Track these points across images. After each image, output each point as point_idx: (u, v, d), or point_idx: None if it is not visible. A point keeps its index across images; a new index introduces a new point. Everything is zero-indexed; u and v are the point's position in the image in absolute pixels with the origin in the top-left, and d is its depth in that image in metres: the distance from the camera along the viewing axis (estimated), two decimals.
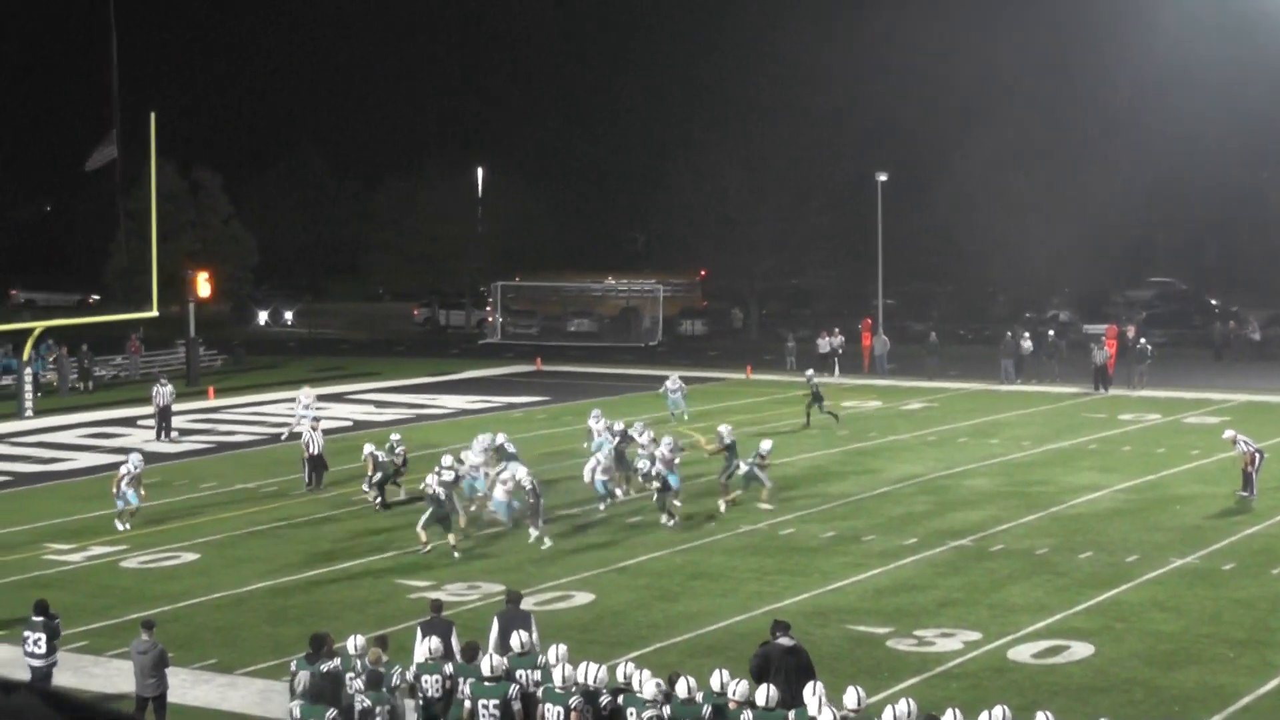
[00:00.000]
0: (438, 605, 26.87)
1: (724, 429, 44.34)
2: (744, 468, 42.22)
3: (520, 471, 38.97)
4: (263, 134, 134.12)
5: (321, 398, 64.28)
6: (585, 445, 47.60)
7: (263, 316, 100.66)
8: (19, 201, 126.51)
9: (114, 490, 39.65)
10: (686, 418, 57.60)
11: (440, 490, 36.99)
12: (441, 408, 62.45)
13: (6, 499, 44.38)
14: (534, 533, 37.76)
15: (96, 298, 79.03)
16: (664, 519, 39.78)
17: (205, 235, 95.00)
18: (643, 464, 41.30)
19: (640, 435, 43.69)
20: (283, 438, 53.38)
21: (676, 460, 41.89)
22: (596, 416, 48.05)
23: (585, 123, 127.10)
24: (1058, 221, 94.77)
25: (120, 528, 39.05)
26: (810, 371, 60.02)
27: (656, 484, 40.27)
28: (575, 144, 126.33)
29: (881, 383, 69.73)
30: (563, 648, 22.96)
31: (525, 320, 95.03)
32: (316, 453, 45.35)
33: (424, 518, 36.96)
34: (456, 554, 36.41)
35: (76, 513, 40.33)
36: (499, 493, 39.04)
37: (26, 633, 26.48)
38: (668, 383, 59.56)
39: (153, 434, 54.76)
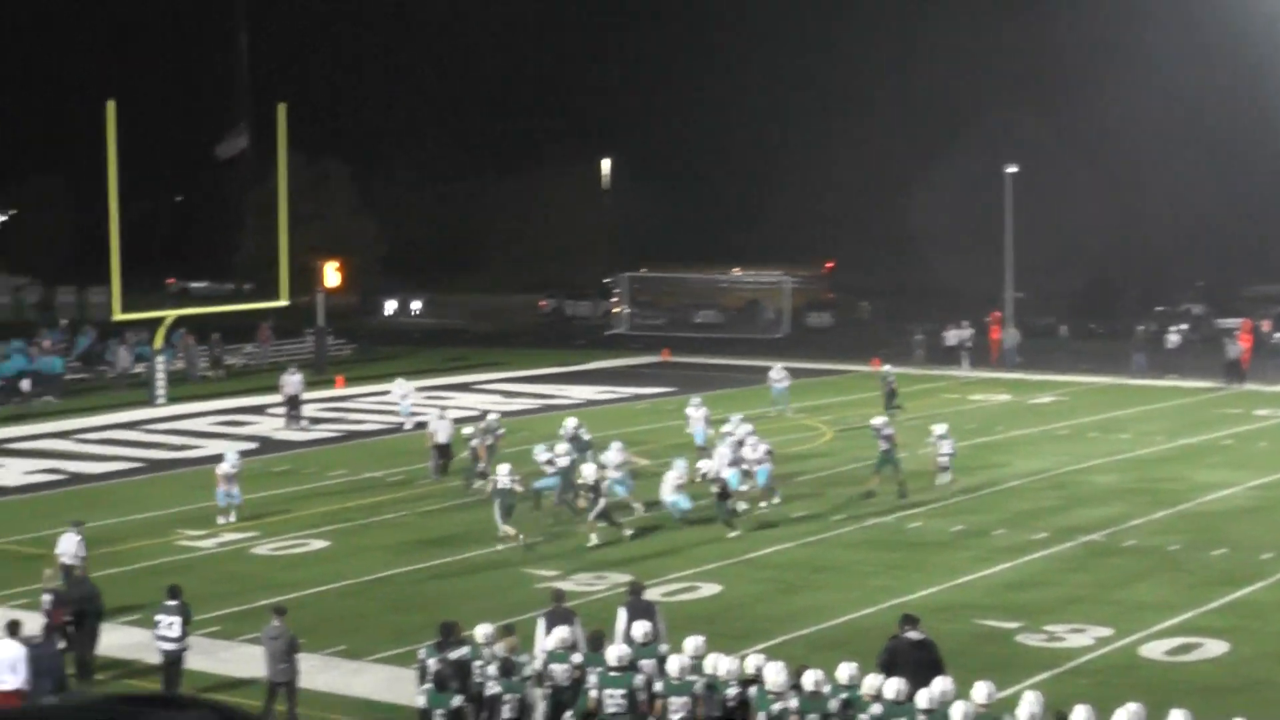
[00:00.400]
0: (560, 595, 26.94)
1: (877, 420, 44.05)
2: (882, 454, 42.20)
3: (588, 469, 38.57)
4: (390, 126, 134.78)
5: (448, 388, 64.61)
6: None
7: (389, 307, 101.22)
8: (149, 192, 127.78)
9: (219, 488, 39.53)
10: (790, 413, 57.03)
11: (510, 483, 37.13)
12: (568, 398, 62.57)
13: (139, 485, 44.84)
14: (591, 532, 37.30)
15: (249, 286, 79.82)
16: (730, 532, 38.09)
17: (333, 226, 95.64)
18: (703, 464, 40.27)
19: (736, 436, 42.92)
20: (405, 426, 53.43)
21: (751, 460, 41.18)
22: (696, 405, 48.07)
23: (712, 113, 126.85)
24: (1189, 214, 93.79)
25: (221, 521, 38.98)
26: (887, 367, 59.42)
27: (715, 488, 39.34)
28: (701, 135, 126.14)
29: (1010, 376, 69.22)
30: (699, 639, 22.97)
31: (651, 312, 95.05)
32: (444, 441, 45.55)
33: (498, 512, 36.90)
34: (499, 546, 36.38)
35: (207, 500, 40.62)
36: (668, 489, 38.84)
37: (159, 616, 26.77)
38: (771, 373, 58.99)
39: (282, 422, 55.05)
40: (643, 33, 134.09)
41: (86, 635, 27.72)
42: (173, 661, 26.81)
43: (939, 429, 43.65)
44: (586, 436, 43.41)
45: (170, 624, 26.57)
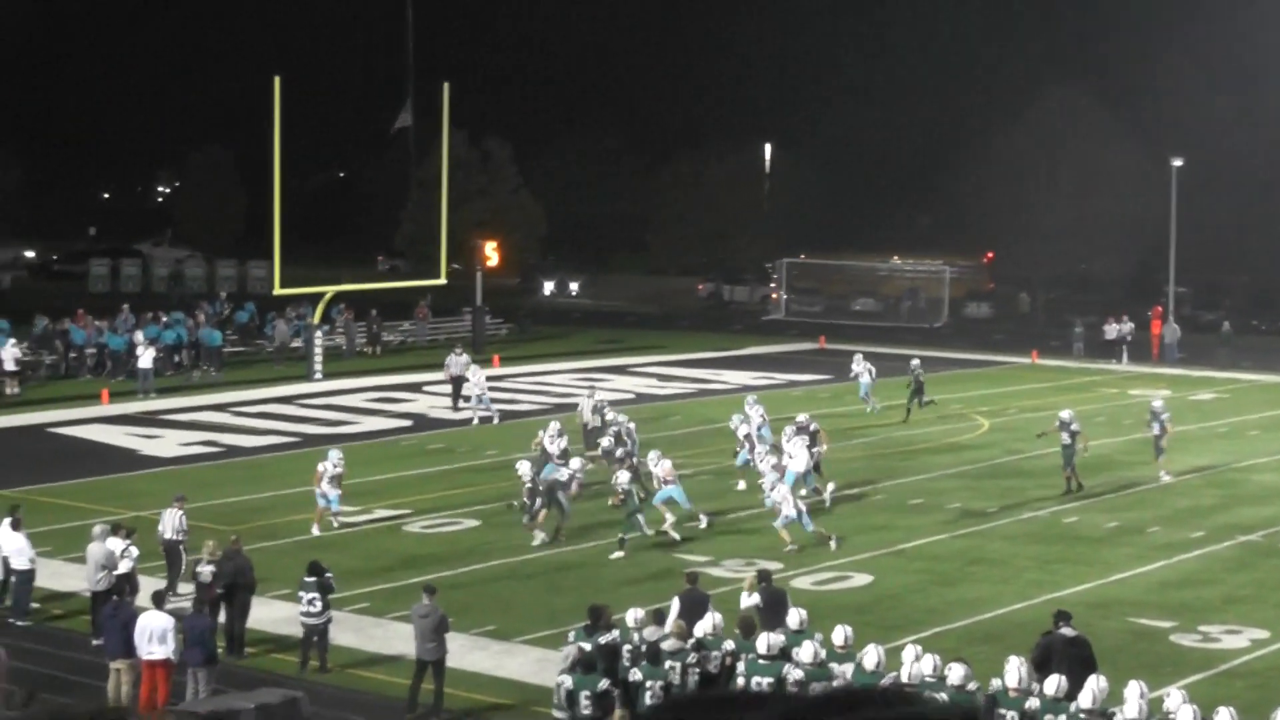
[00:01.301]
0: (693, 576, 26.97)
1: (1065, 413, 43.13)
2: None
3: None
4: (554, 106, 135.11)
5: (604, 369, 64.57)
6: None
7: (548, 287, 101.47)
8: (314, 169, 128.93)
9: (316, 489, 36.90)
10: (876, 410, 54.09)
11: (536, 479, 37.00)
12: (724, 383, 62.36)
13: (295, 459, 45.11)
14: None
15: (457, 266, 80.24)
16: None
17: (494, 205, 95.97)
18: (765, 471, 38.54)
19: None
20: (474, 423, 51.62)
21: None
22: (752, 403, 46.13)
23: (873, 100, 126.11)
24: None
25: (315, 532, 36.02)
26: (915, 362, 54.95)
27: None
28: (863, 121, 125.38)
29: (1171, 372, 68.21)
30: (847, 630, 22.85)
31: (809, 298, 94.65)
32: (590, 421, 45.54)
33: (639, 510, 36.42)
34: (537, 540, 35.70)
35: (361, 475, 40.84)
36: (770, 483, 38.35)
37: (301, 592, 27.00)
38: (854, 365, 55.90)
39: (449, 401, 54.72)
40: (807, 18, 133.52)
41: (237, 609, 27.94)
42: (313, 636, 27.05)
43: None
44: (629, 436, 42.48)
45: (312, 599, 26.82)
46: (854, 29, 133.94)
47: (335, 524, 36.48)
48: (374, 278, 69.64)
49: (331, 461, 36.54)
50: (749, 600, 26.38)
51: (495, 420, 51.26)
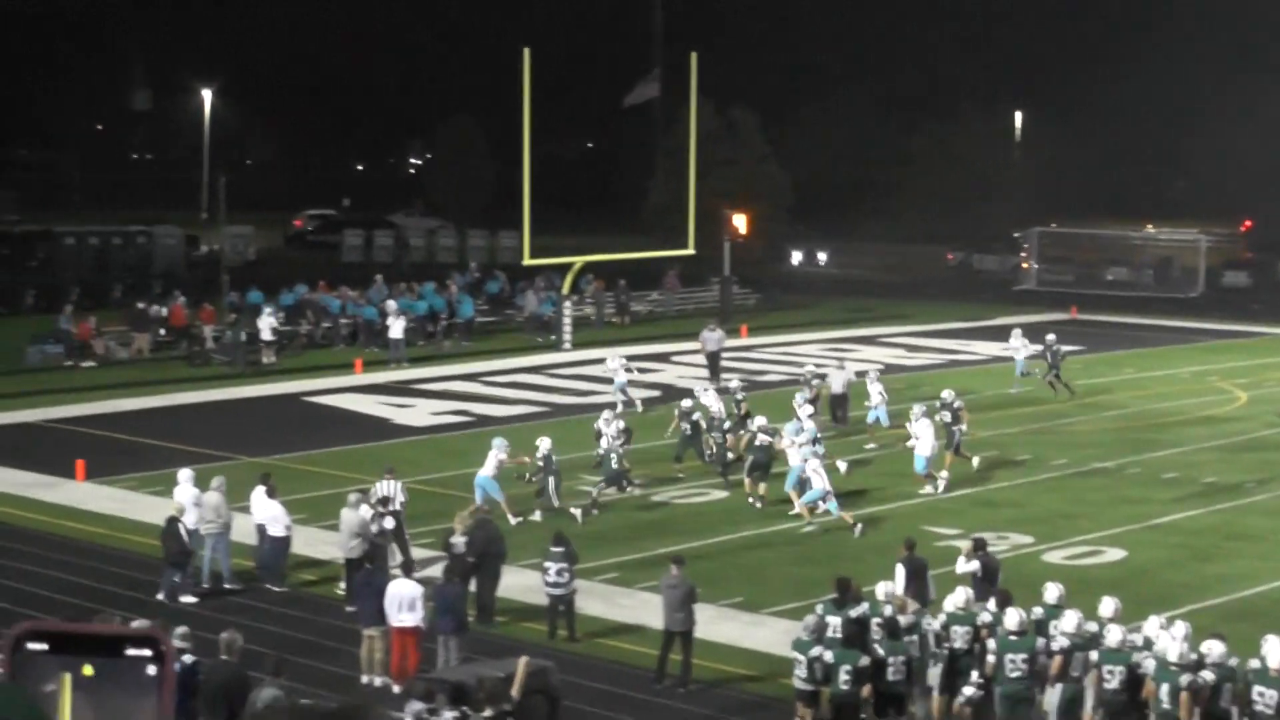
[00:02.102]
0: (910, 543, 26.81)
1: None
2: None
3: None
4: (802, 74, 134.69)
5: (852, 340, 64.20)
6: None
7: (796, 256, 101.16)
8: (563, 139, 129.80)
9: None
10: (1017, 389, 51.92)
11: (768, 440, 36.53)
12: (973, 354, 61.70)
13: (543, 429, 45.30)
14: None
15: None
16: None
17: (741, 174, 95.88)
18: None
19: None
20: (638, 408, 46.56)
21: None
22: (873, 379, 44.90)
23: (1124, 65, 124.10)
24: None
25: (513, 521, 34.21)
26: (1052, 336, 52.20)
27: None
28: (1114, 87, 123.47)
29: None
30: (1116, 602, 22.58)
31: (1060, 267, 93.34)
32: (840, 391, 45.23)
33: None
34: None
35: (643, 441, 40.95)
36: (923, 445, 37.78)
37: (549, 563, 27.14)
38: (1011, 340, 53.70)
39: (700, 372, 54.38)
40: None
41: (488, 578, 28.16)
42: (559, 605, 27.22)
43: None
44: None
45: (560, 570, 26.97)
46: None
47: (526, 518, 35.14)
48: (623, 248, 69.75)
49: (498, 450, 35.07)
50: (966, 566, 26.18)
51: (638, 408, 47.82)
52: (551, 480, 35.08)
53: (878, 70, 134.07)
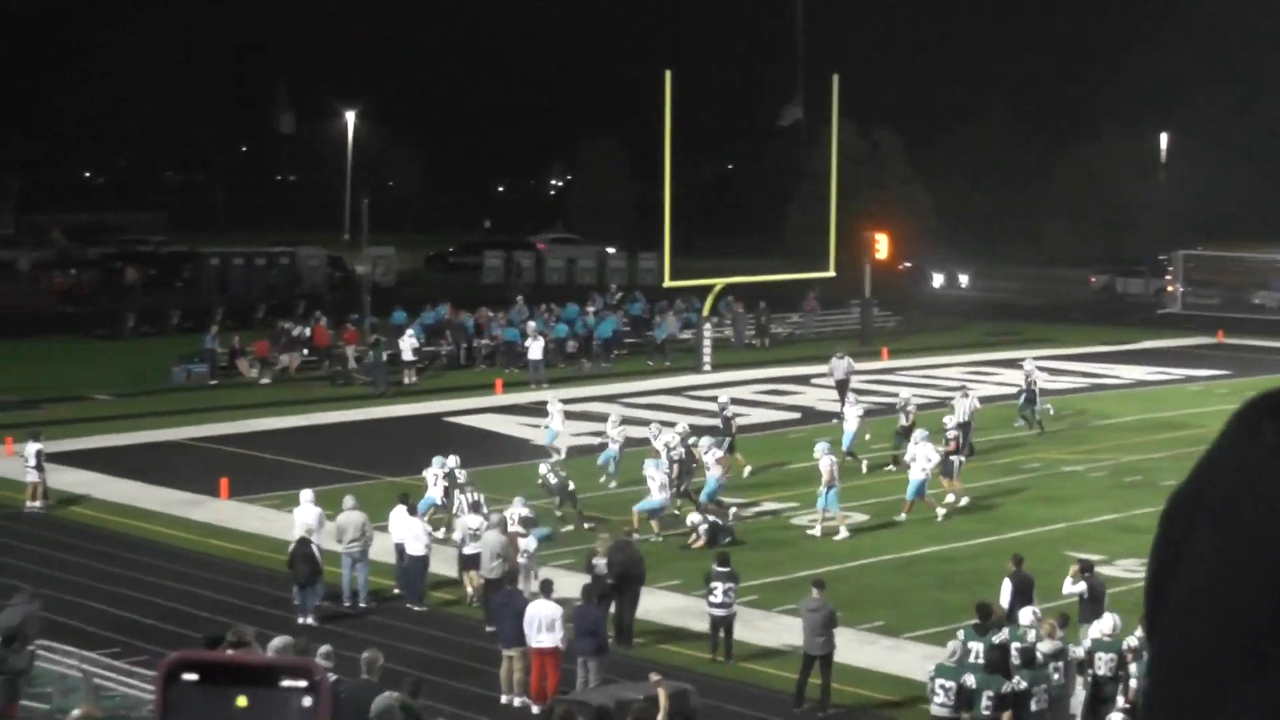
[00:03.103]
0: (1018, 559, 26.73)
1: None
2: None
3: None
4: (945, 97, 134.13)
5: (993, 363, 63.71)
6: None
7: (937, 278, 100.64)
8: (703, 162, 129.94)
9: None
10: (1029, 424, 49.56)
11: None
12: (1117, 378, 61.07)
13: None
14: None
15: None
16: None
17: (883, 197, 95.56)
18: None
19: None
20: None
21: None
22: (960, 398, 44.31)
23: (1271, 83, 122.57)
24: None
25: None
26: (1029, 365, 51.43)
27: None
28: (1260, 107, 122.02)
29: None
30: None
31: (1206, 291, 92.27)
32: (964, 419, 44.66)
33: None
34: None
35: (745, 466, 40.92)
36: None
37: (714, 584, 27.24)
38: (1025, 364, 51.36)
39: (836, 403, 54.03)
40: (1201, 2, 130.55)
41: (628, 600, 28.20)
42: (720, 626, 27.29)
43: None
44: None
45: (728, 590, 27.11)
46: (1252, 11, 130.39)
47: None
48: (763, 270, 69.60)
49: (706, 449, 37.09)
50: (1073, 588, 26.10)
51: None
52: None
53: (1021, 91, 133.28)
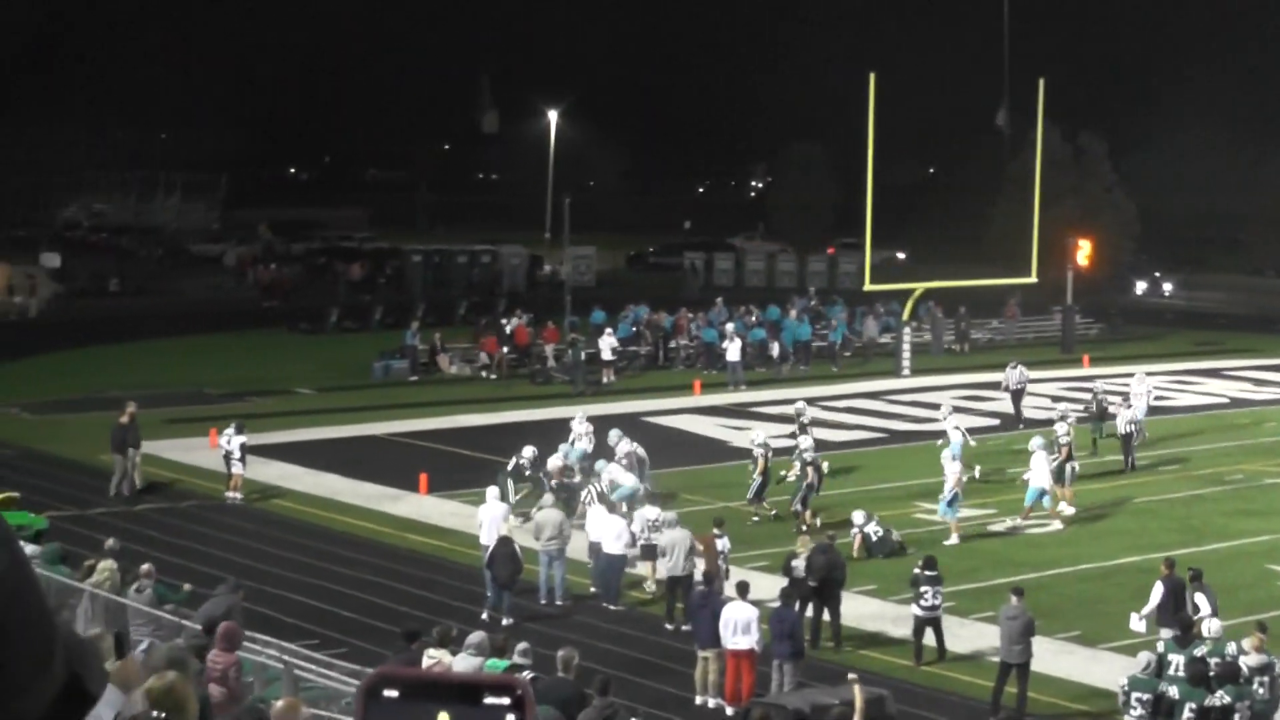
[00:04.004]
0: (1169, 562, 27.00)
1: None
2: None
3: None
4: (1151, 101, 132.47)
5: (1197, 372, 62.72)
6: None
7: (1140, 286, 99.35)
8: (905, 165, 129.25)
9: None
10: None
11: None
12: None
13: (881, 455, 45.21)
14: None
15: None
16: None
17: (1086, 203, 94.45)
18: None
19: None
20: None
21: None
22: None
23: None
24: None
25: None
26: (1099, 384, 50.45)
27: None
28: None
29: None
30: None
31: None
32: (1124, 431, 43.78)
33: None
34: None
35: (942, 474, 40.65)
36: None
37: (924, 587, 27.24)
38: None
39: (1041, 401, 53.29)
40: None
41: (829, 604, 28.19)
42: (927, 626, 27.27)
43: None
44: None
45: (935, 593, 27.10)
46: None
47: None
48: (964, 274, 69.02)
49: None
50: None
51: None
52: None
53: (1228, 97, 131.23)
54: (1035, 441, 38.37)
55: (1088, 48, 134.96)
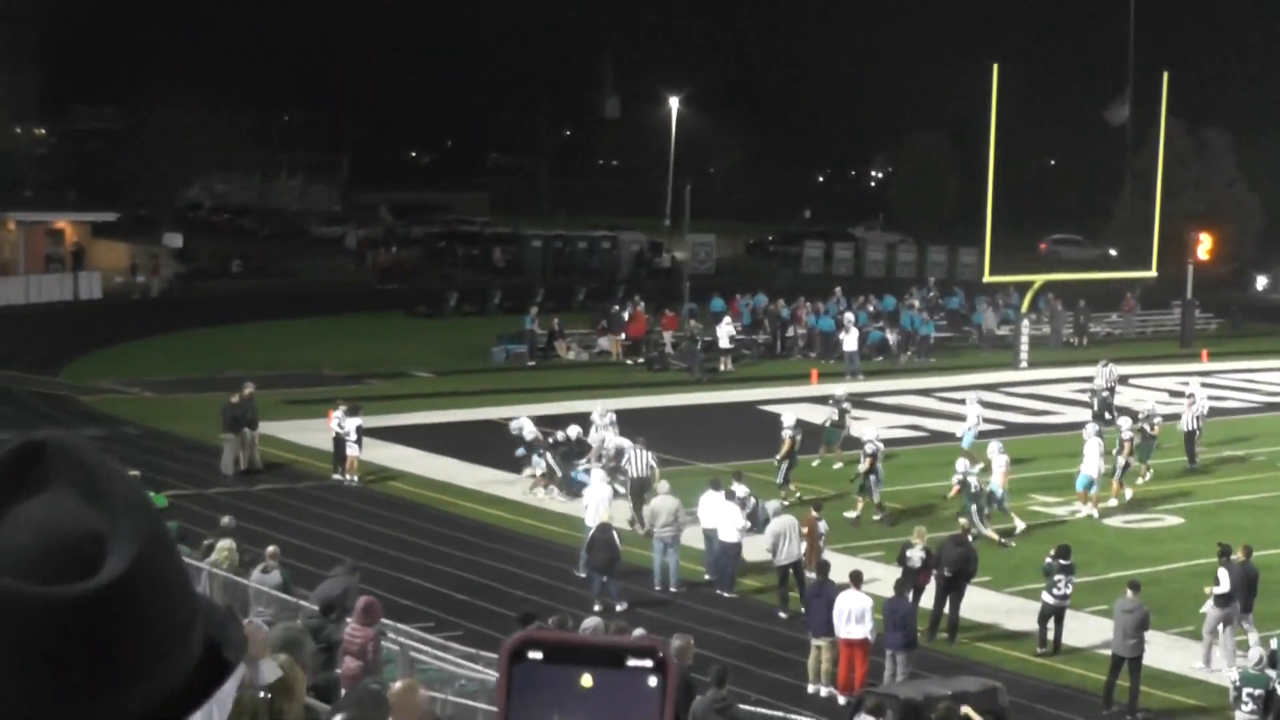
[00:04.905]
0: (1246, 549, 26.69)
1: None
2: None
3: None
4: (1275, 95, 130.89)
5: None
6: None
7: (1261, 281, 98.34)
8: (1028, 156, 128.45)
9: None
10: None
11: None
12: None
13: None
14: None
15: (1113, 252, 78.99)
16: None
17: (1208, 196, 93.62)
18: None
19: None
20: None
21: None
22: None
23: None
24: None
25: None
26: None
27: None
28: None
29: None
30: None
31: None
32: (1189, 429, 43.17)
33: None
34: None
35: (1061, 467, 40.44)
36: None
37: (1058, 576, 27.24)
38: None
39: (1154, 395, 52.61)
40: None
41: (956, 596, 28.24)
42: (1053, 615, 27.32)
43: None
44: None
45: (1068, 581, 27.23)
46: None
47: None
48: (1084, 267, 68.60)
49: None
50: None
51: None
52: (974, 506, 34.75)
53: None
54: (1089, 429, 38.77)
55: (1213, 40, 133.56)
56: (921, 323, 63.55)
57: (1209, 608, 27.20)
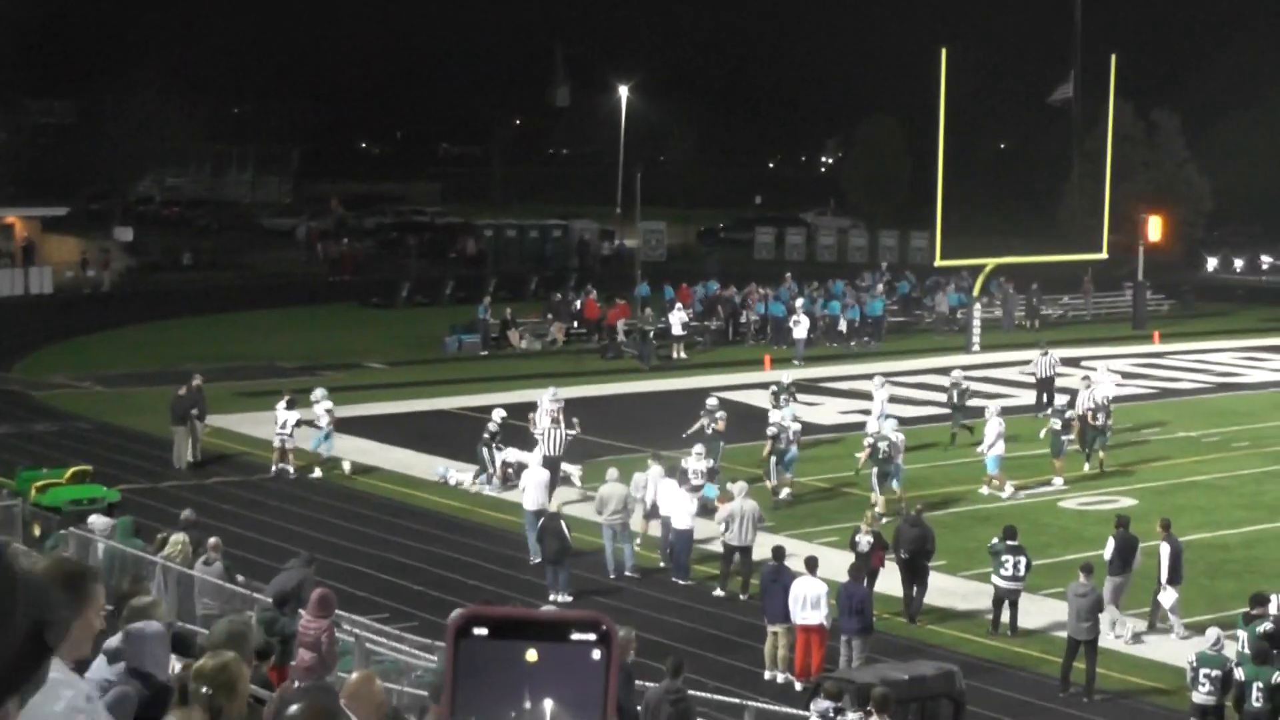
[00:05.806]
0: (1120, 521, 27.12)
1: None
2: None
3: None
4: (1226, 76, 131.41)
5: (1267, 349, 62.32)
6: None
7: (1212, 263, 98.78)
8: (977, 139, 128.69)
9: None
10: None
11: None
12: None
13: (947, 431, 44.98)
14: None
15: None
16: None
17: (1158, 178, 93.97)
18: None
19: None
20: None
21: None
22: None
23: None
24: None
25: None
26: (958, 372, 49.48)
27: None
28: None
29: None
30: None
31: None
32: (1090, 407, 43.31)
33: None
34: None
35: (1015, 450, 40.53)
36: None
37: (1006, 557, 27.33)
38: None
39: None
40: None
41: (917, 577, 28.32)
42: (1007, 599, 27.36)
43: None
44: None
45: (1016, 563, 27.26)
46: None
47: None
48: (1035, 250, 68.66)
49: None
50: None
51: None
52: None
53: None
54: (990, 408, 39.27)
55: (1161, 22, 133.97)
56: (872, 297, 63.87)
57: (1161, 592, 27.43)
